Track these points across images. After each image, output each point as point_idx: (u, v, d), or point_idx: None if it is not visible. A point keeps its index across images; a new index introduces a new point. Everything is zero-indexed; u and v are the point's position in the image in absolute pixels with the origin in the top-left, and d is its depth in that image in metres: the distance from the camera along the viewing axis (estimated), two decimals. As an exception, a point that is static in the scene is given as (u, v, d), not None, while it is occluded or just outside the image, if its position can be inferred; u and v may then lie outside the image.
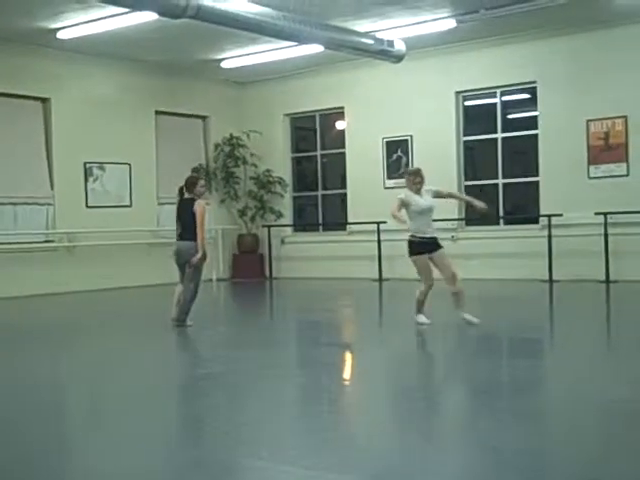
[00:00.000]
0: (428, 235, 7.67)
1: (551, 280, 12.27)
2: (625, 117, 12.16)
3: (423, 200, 7.69)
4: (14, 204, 12.75)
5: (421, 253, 7.65)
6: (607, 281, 11.83)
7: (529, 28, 12.42)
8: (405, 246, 7.82)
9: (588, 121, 12.45)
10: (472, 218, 13.67)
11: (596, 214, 11.92)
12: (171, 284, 13.91)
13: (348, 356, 7.09)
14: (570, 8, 11.10)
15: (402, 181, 14.41)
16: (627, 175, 12.15)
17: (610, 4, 11.20)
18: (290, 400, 5.29)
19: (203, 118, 15.61)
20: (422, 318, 7.83)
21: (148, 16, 10.46)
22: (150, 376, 6.14)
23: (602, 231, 11.90)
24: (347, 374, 6.33)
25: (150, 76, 14.41)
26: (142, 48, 12.98)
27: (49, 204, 13.13)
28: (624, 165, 12.21)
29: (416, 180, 7.76)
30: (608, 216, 11.86)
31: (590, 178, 12.37)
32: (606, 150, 12.36)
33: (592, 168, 12.39)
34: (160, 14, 9.18)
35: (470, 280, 12.71)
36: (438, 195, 7.94)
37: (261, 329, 8.92)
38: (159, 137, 14.80)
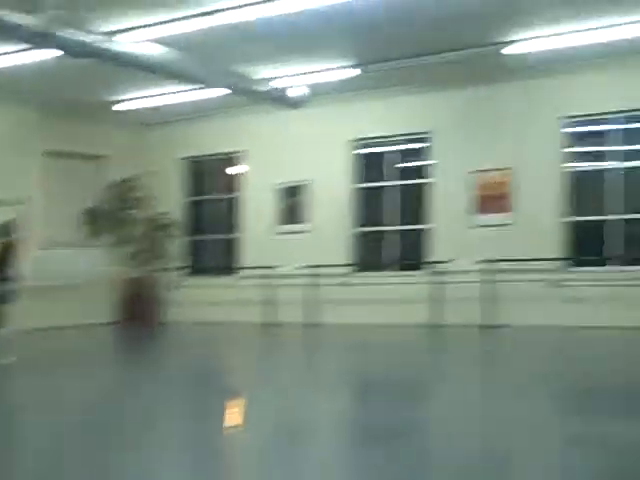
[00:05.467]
0: None
1: (438, 325, 12.49)
2: (511, 169, 12.65)
3: None
4: None
5: None
6: (492, 326, 12.11)
7: (428, 80, 12.75)
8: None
9: (477, 171, 12.88)
10: (364, 264, 13.91)
11: (481, 262, 12.27)
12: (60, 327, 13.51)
13: (224, 402, 7.00)
14: (466, 63, 11.52)
15: (296, 227, 14.71)
16: (512, 224, 12.60)
17: (497, 61, 11.61)
18: (171, 450, 5.16)
19: (97, 159, 15.29)
20: None
21: (46, 54, 10.21)
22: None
23: (488, 278, 12.24)
24: (224, 422, 6.23)
25: (42, 115, 14.06)
26: (38, 87, 12.64)
27: None
28: (509, 215, 12.66)
29: None
30: (493, 263, 12.22)
31: (478, 227, 12.74)
32: (493, 200, 12.80)
33: (479, 217, 12.79)
34: (62, 50, 9.04)
35: (360, 325, 12.91)
36: None
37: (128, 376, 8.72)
38: (48, 178, 14.37)
